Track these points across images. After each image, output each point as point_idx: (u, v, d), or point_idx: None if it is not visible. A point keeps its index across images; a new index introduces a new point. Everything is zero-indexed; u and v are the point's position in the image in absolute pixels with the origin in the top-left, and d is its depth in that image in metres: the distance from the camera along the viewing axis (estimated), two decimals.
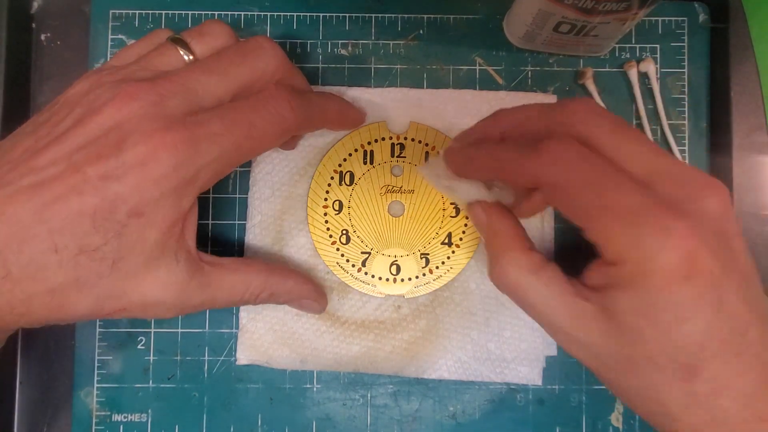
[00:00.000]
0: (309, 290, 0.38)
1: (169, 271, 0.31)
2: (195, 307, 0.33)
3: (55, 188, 0.28)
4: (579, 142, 0.28)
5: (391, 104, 0.41)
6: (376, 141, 0.41)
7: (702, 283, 0.26)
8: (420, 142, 0.41)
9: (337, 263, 0.40)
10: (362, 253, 0.41)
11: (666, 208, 0.26)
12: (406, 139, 0.41)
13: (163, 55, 0.33)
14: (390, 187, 0.41)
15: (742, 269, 0.27)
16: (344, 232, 0.41)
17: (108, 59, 0.41)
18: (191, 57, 0.33)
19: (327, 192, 0.41)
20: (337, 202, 0.41)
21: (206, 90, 0.31)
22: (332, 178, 0.41)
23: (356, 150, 0.41)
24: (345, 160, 0.41)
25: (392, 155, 0.41)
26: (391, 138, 0.41)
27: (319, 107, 0.36)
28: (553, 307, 0.29)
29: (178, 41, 0.33)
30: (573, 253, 0.36)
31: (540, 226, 0.41)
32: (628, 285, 0.27)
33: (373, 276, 0.40)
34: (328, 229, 0.41)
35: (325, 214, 0.41)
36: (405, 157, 0.41)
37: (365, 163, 0.41)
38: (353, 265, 0.40)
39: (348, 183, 0.41)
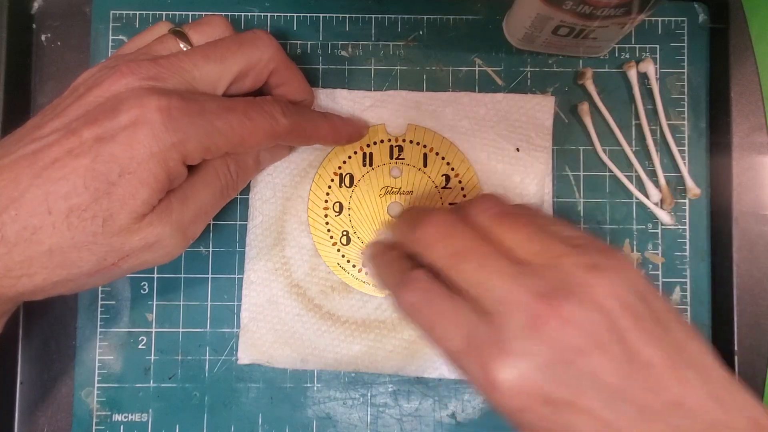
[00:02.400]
0: (259, 135, 0.34)
1: (154, 212, 0.31)
2: (192, 220, 0.34)
3: (53, 152, 0.29)
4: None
5: (389, 107, 0.41)
6: (375, 143, 0.41)
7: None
8: (418, 144, 0.41)
9: (338, 264, 0.41)
10: (362, 253, 0.41)
11: (539, 298, 0.26)
12: (404, 141, 0.41)
13: (162, 44, 0.34)
14: (389, 189, 0.41)
15: (640, 361, 0.26)
16: (345, 233, 0.41)
17: None
18: (190, 48, 0.34)
19: (327, 194, 0.41)
20: (337, 204, 0.41)
21: (202, 74, 0.33)
22: (332, 180, 0.41)
23: (356, 152, 0.41)
24: (345, 162, 0.41)
25: (391, 157, 0.41)
26: (389, 140, 0.41)
27: (311, 121, 0.37)
28: None
29: (178, 33, 0.35)
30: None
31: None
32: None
33: None
34: (328, 230, 0.41)
35: (326, 216, 0.41)
36: (403, 159, 0.41)
37: (364, 165, 0.41)
38: (354, 266, 0.41)
39: (348, 185, 0.41)
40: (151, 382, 0.41)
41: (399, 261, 0.33)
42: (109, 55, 0.42)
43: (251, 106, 0.33)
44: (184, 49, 0.34)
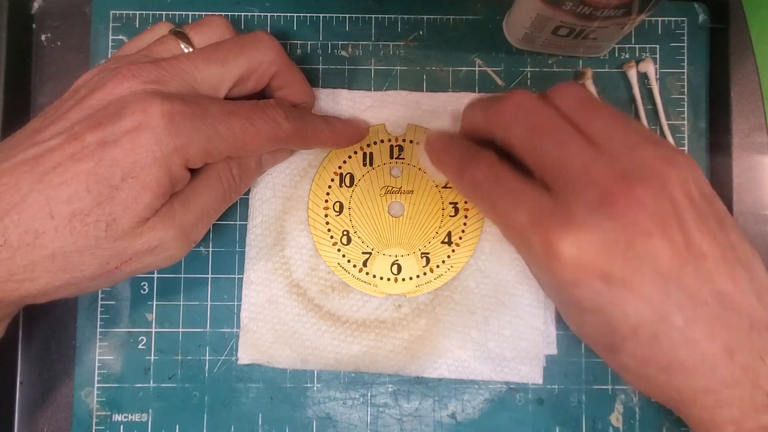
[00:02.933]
0: (261, 139, 0.34)
1: (156, 215, 0.31)
2: (195, 224, 0.34)
3: (55, 157, 0.29)
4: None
5: (389, 107, 0.41)
6: (375, 143, 0.41)
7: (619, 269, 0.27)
8: (418, 143, 0.41)
9: (338, 263, 0.41)
10: (363, 253, 0.41)
11: (615, 178, 0.27)
12: (404, 141, 0.41)
13: (163, 45, 0.34)
14: (389, 188, 0.41)
15: (697, 251, 0.27)
16: (345, 232, 0.41)
17: None
18: (191, 49, 0.34)
19: (327, 194, 0.41)
20: (337, 204, 0.41)
21: (204, 77, 0.33)
22: (332, 180, 0.41)
23: (356, 152, 0.41)
24: (345, 162, 0.41)
25: (391, 157, 0.41)
26: (390, 140, 0.41)
27: (313, 126, 0.37)
28: None
29: (179, 34, 0.34)
30: None
31: None
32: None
33: (374, 276, 0.40)
34: (329, 230, 0.41)
35: (326, 216, 0.41)
36: (404, 158, 0.41)
37: (365, 164, 0.41)
38: (354, 266, 0.41)
39: (348, 185, 0.41)
40: (151, 382, 0.41)
41: (463, 144, 0.33)
42: (109, 55, 0.42)
43: (254, 110, 0.33)
44: (185, 50, 0.34)
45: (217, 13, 0.39)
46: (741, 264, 0.28)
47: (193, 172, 0.33)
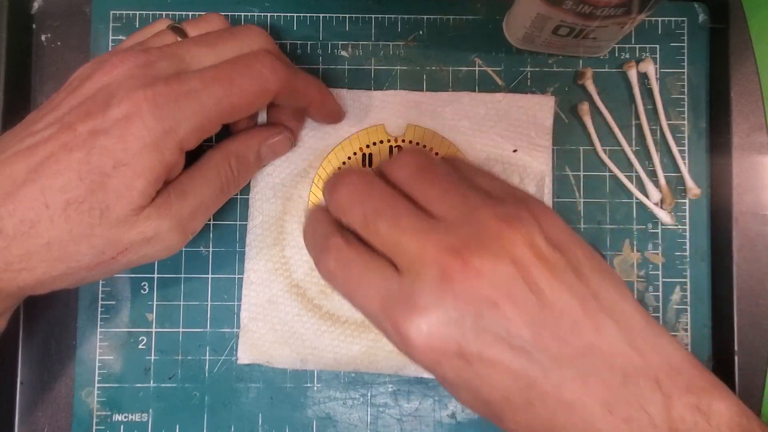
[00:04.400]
0: (264, 134, 0.36)
1: (152, 205, 0.32)
2: (191, 215, 0.34)
3: (48, 147, 0.30)
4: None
5: (389, 107, 0.41)
6: (374, 144, 0.41)
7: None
8: (418, 144, 0.41)
9: None
10: None
11: (449, 251, 0.26)
12: (404, 141, 0.41)
13: (159, 38, 0.35)
14: None
15: (553, 310, 0.26)
16: None
17: None
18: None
19: None
20: None
21: (193, 57, 0.33)
22: None
23: (355, 153, 0.41)
24: (344, 163, 0.41)
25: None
26: (389, 141, 0.41)
27: (303, 80, 0.36)
28: None
29: (176, 29, 0.35)
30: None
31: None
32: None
33: None
34: None
35: None
36: None
37: (364, 165, 0.41)
38: None
39: None
40: (151, 382, 0.41)
41: (323, 225, 0.32)
42: None
43: (235, 68, 0.33)
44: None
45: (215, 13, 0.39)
46: (605, 311, 0.26)
47: (191, 163, 0.33)
